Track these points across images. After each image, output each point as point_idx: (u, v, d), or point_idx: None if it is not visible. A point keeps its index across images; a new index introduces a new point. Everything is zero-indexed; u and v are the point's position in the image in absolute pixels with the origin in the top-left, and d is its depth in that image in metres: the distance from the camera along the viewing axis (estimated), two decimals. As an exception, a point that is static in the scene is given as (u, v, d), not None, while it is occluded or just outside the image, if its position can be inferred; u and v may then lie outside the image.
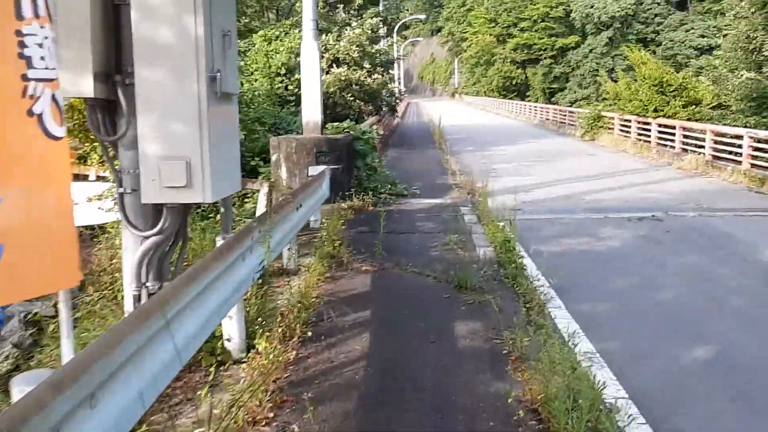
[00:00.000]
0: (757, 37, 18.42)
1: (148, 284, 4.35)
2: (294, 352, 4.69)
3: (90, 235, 7.27)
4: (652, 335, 5.61)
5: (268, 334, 4.67)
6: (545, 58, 74.61)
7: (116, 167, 4.35)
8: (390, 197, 11.39)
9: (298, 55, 20.28)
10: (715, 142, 16.56)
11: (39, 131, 2.99)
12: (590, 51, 70.29)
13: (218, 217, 9.75)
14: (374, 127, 13.71)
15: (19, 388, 2.36)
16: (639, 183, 14.55)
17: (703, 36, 61.69)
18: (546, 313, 5.79)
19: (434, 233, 8.94)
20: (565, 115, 32.55)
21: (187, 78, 4.15)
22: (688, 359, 5.10)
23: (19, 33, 2.86)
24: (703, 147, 17.04)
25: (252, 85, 19.26)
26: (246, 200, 9.47)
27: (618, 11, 66.66)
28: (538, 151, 21.88)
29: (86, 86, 3.98)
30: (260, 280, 6.00)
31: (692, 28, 64.21)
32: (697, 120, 19.54)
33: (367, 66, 19.79)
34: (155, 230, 4.35)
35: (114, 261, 5.71)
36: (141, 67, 4.03)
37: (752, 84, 16.99)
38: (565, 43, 73.06)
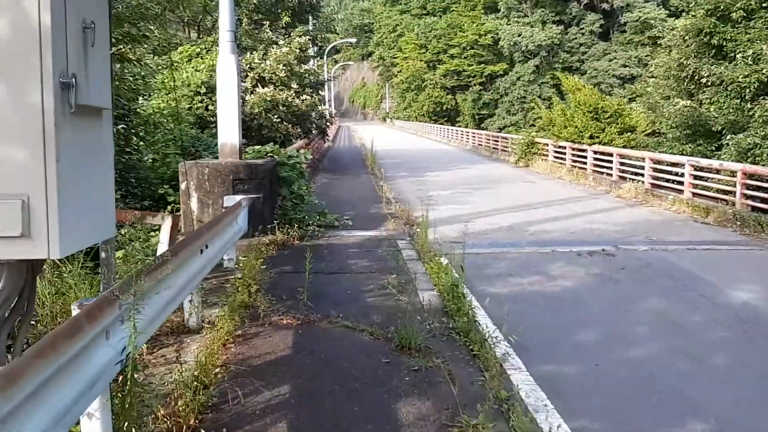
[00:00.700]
0: (689, 64, 18.39)
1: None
2: (179, 462, 3.39)
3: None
4: (634, 409, 4.60)
5: (142, 437, 3.36)
6: (474, 84, 75.66)
7: None
8: (319, 229, 10.17)
9: (220, 73, 19.00)
10: (655, 170, 16.24)
11: None
12: (518, 78, 71.77)
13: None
14: (302, 151, 12.51)
15: None
16: (581, 212, 13.91)
17: (625, 66, 64.15)
18: (507, 378, 4.72)
19: (369, 273, 7.78)
20: (498, 141, 32.31)
21: (26, 84, 2.90)
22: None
23: None
24: (641, 175, 16.71)
25: (170, 104, 17.78)
26: (154, 234, 8.06)
27: (544, 40, 68.58)
28: (474, 178, 21.19)
29: None
30: (145, 347, 4.67)
31: (615, 58, 66.71)
32: (632, 147, 19.34)
33: (295, 86, 18.64)
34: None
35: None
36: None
37: (687, 111, 16.83)
38: (494, 70, 74.41)
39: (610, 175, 18.56)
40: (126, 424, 3.31)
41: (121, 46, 8.54)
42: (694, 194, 14.22)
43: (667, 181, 15.68)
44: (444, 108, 79.60)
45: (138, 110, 10.49)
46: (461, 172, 23.44)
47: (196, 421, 3.79)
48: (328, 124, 22.26)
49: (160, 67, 20.73)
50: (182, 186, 8.69)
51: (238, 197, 8.22)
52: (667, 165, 16.03)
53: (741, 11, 16.50)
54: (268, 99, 17.70)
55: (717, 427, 4.32)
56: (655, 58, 22.37)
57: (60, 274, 5.47)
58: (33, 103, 2.92)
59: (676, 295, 7.56)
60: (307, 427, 3.88)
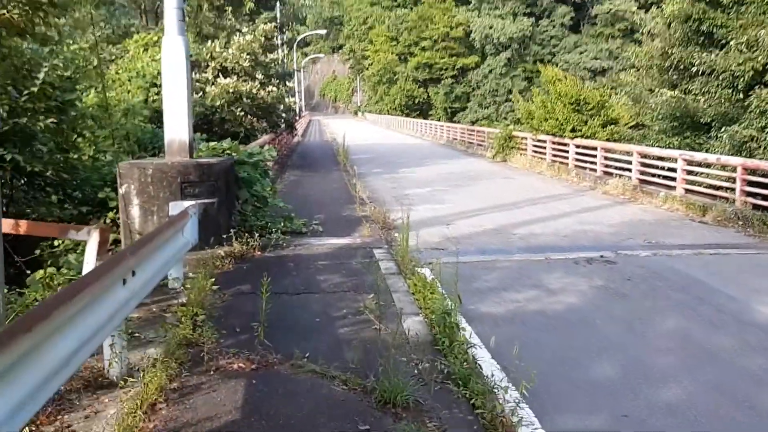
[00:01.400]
0: (675, 53, 17.53)
1: None
2: None
3: None
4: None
5: None
6: (446, 77, 74.76)
7: None
8: (284, 237, 8.95)
9: (179, 62, 17.60)
10: (643, 165, 15.35)
11: None
12: (490, 71, 71.09)
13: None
14: (266, 147, 11.27)
15: None
16: (569, 212, 12.93)
17: (596, 58, 63.89)
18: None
19: (342, 293, 6.61)
20: (473, 135, 31.33)
21: None
22: None
23: None
24: (628, 170, 15.82)
25: (125, 96, 16.37)
26: (73, 251, 6.79)
27: (516, 33, 68.04)
28: (451, 174, 20.13)
29: None
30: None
31: (586, 51, 66.48)
32: (616, 140, 18.47)
33: (260, 77, 17.33)
34: None
35: None
36: None
37: (675, 103, 15.97)
38: (466, 63, 73.72)
39: (594, 170, 17.66)
40: None
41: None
42: (687, 191, 13.35)
43: (657, 176, 14.80)
44: (416, 101, 78.62)
45: (76, 103, 9.17)
46: (437, 168, 22.38)
47: None
48: (296, 117, 20.96)
49: (114, 57, 19.27)
50: (121, 190, 7.40)
51: (187, 203, 6.98)
52: (655, 159, 15.17)
53: (732, -4, 15.69)
54: (231, 90, 16.38)
55: None
56: (632, 49, 21.48)
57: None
58: None
59: (693, 311, 6.57)
60: None
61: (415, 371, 4.53)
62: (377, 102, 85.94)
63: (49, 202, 8.91)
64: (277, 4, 21.98)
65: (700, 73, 15.98)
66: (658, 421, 4.26)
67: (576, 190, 16.35)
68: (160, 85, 16.66)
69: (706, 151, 15.07)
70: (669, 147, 16.04)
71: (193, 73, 17.06)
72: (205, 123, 16.86)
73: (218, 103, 16.42)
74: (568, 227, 11.17)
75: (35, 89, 7.79)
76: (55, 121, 8.29)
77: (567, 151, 19.51)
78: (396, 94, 79.47)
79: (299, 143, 35.05)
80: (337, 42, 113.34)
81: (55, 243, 7.61)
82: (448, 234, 10.65)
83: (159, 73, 16.58)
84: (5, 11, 6.84)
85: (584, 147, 18.57)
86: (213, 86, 16.23)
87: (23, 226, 6.00)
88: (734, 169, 12.01)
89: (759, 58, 13.85)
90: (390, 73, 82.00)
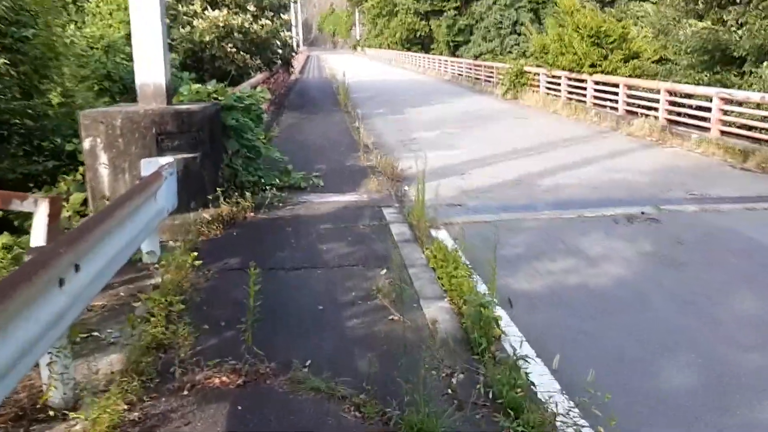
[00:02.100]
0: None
1: None
2: None
3: None
4: None
5: None
6: (449, 9, 71.71)
7: None
8: (281, 194, 7.83)
9: (163, -7, 16.02)
10: (671, 104, 14.07)
11: None
12: (494, 2, 67.95)
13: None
14: (260, 88, 10.00)
15: None
16: (594, 157, 11.75)
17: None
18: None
19: (349, 268, 5.56)
20: (480, 70, 29.70)
21: None
22: None
23: None
24: (654, 109, 14.53)
25: (107, 32, 14.94)
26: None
27: (522, -39, 64.73)
28: (460, 114, 18.81)
29: None
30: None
31: (595, -19, 63.35)
32: (638, 76, 17.06)
33: (252, 9, 15.81)
34: None
35: None
36: None
37: (707, 35, 14.52)
38: (469, -6, 70.65)
39: (616, 109, 16.35)
40: None
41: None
42: (723, 132, 12.13)
43: (687, 116, 13.54)
44: (417, 35, 75.62)
45: (31, 38, 7.86)
46: (444, 107, 21.00)
47: None
48: (293, 54, 19.47)
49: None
50: (85, 145, 6.24)
51: (164, 159, 5.85)
52: (685, 97, 13.88)
53: None
54: (221, 24, 14.91)
55: None
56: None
57: None
58: None
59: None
60: None
61: (449, 389, 3.51)
62: (377, 36, 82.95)
63: (13, 154, 7.79)
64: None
65: (736, 1, 14.47)
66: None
67: (597, 132, 15.09)
68: (143, 19, 15.28)
69: (739, 87, 13.77)
70: (699, 83, 14.71)
71: (180, 4, 15.55)
72: (194, 61, 15.48)
73: (207, 39, 14.99)
74: (597, 176, 10.03)
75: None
76: (7, 62, 7.05)
77: (585, 89, 18.12)
78: (396, 28, 76.49)
79: (297, 81, 33.43)
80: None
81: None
82: (463, 186, 9.54)
83: (141, 6, 15.14)
84: None
85: (604, 84, 17.18)
86: (201, 20, 14.76)
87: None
88: (782, 110, 10.77)
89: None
90: (390, 5, 78.77)
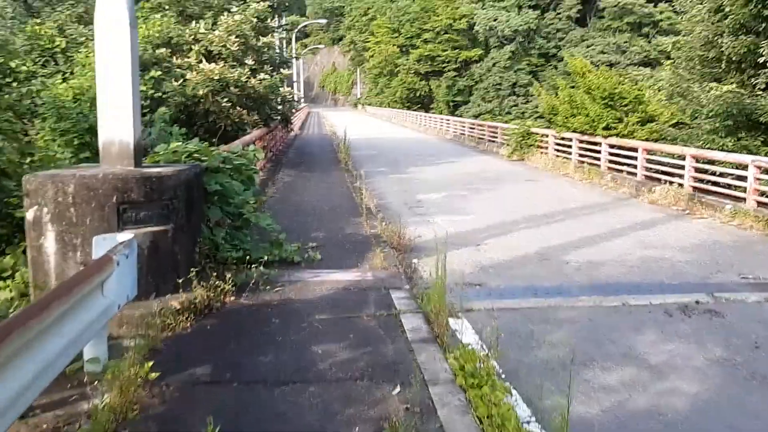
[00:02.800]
0: (723, 42, 15.22)
1: None
2: None
3: None
4: None
5: None
6: (449, 70, 72.31)
7: None
8: (269, 271, 6.61)
9: (156, 46, 15.22)
10: (697, 170, 13.06)
11: None
12: (494, 64, 68.63)
13: None
14: (253, 146, 8.91)
15: None
16: (621, 228, 10.62)
17: (603, 52, 61.44)
18: None
19: (350, 383, 4.29)
20: (484, 130, 28.97)
21: None
22: None
23: None
24: (678, 176, 13.51)
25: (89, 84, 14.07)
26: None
27: (521, 25, 65.76)
28: (466, 175, 17.81)
29: None
30: None
31: (593, 45, 64.24)
32: (656, 140, 16.14)
33: (251, 62, 14.96)
34: None
35: None
36: None
37: (732, 98, 13.65)
38: (469, 56, 71.61)
39: (634, 174, 15.34)
40: None
41: None
42: (760, 203, 11.06)
43: (716, 184, 12.52)
44: (417, 94, 76.30)
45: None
46: (449, 167, 20.04)
47: None
48: (293, 110, 18.60)
49: (85, 38, 16.89)
50: (29, 215, 5.06)
51: (123, 236, 4.67)
52: (711, 163, 12.92)
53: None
54: (216, 78, 14.01)
55: None
56: (668, 40, 19.16)
57: None
58: None
59: None
60: None
61: None
62: (378, 94, 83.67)
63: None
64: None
65: (764, 63, 13.68)
66: None
67: (616, 198, 14.02)
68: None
69: (766, 155, 12.84)
70: (722, 149, 13.77)
71: (174, 57, 14.70)
72: (186, 116, 14.52)
73: (201, 93, 14.06)
74: (630, 252, 8.85)
75: None
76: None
77: (598, 151, 17.20)
78: (397, 87, 77.33)
79: (297, 137, 32.70)
80: (337, 33, 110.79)
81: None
82: (481, 260, 8.35)
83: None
84: None
85: (620, 147, 16.25)
86: (194, 72, 13.86)
87: None
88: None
89: None
90: (391, 65, 79.84)
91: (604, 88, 16.72)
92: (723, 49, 15.25)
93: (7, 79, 10.59)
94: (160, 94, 14.13)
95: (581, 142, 18.20)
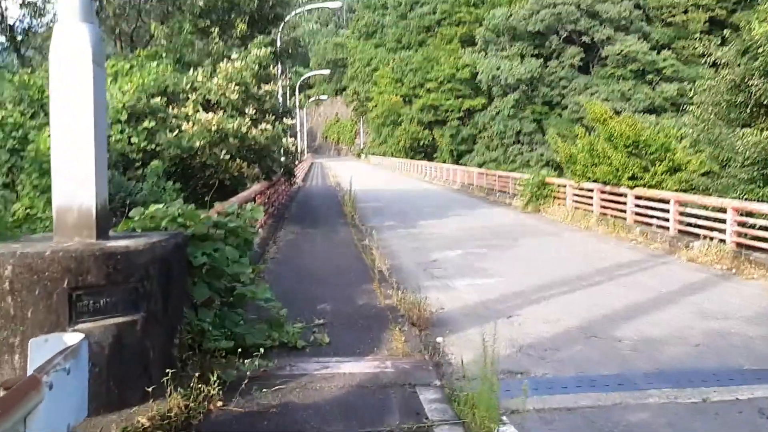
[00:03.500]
0: (755, 85, 14.26)
1: None
2: None
3: None
4: None
5: None
6: (452, 119, 72.13)
7: None
8: (266, 362, 5.37)
9: (151, 95, 14.31)
10: (740, 224, 11.89)
11: None
12: (497, 113, 68.38)
13: None
14: (250, 205, 7.76)
15: None
16: (668, 293, 9.38)
17: (607, 99, 61.04)
18: None
19: None
20: (494, 180, 27.97)
21: None
22: None
23: None
24: (718, 231, 12.33)
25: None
26: None
27: (524, 74, 65.81)
28: (481, 229, 16.66)
29: None
30: None
31: (597, 92, 64.08)
32: (685, 191, 15.01)
33: (251, 112, 14.00)
34: None
35: None
36: None
37: (771, 146, 12.60)
38: (472, 105, 71.60)
39: (665, 228, 14.17)
40: None
41: None
42: (820, 263, 9.85)
43: (763, 240, 11.33)
44: (421, 143, 75.99)
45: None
46: (461, 220, 18.90)
47: None
48: (296, 162, 17.60)
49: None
50: (-48, 306, 3.90)
51: (71, 337, 3.49)
52: (744, 215, 11.81)
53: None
54: (214, 128, 13.02)
55: None
56: (698, 83, 18.23)
57: None
58: None
59: None
60: None
61: None
62: (381, 144, 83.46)
63: None
64: (279, 30, 18.65)
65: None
66: None
67: (650, 255, 12.79)
68: (126, 122, 13.43)
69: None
70: (762, 200, 12.64)
71: (171, 107, 13.75)
72: (181, 169, 13.49)
73: (198, 144, 13.05)
74: (690, 325, 7.60)
75: None
76: None
77: (624, 203, 16.07)
78: (400, 136, 77.16)
79: (300, 189, 31.74)
80: (340, 84, 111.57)
81: None
82: (517, 338, 7.10)
83: (123, 107, 13.34)
84: None
85: (648, 198, 15.12)
86: (190, 123, 12.88)
87: None
88: None
89: None
90: (394, 114, 79.92)
91: (628, 135, 15.70)
92: (753, 92, 14.34)
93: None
94: (153, 146, 13.15)
95: (603, 192, 17.09)
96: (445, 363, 6.11)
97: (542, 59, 67.54)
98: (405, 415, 4.57)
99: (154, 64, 15.20)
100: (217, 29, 15.29)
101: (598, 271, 11.01)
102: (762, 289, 9.68)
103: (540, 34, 68.06)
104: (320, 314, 7.21)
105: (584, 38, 65.69)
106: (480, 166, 60.16)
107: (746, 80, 14.86)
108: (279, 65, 18.68)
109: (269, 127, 14.23)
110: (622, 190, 15.99)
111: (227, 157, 13.37)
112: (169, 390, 4.26)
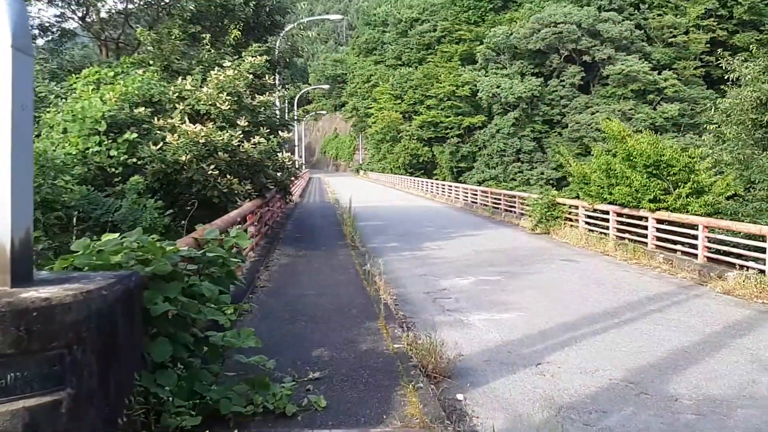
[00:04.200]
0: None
1: None
2: None
3: None
4: None
5: None
6: (452, 136, 71.30)
7: None
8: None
9: (135, 105, 13.18)
10: (782, 254, 10.75)
11: None
12: (497, 131, 67.60)
13: None
14: (235, 230, 6.55)
15: None
16: (713, 333, 8.19)
17: (608, 119, 60.13)
18: None
19: None
20: (499, 199, 26.83)
21: None
22: None
23: None
24: (757, 260, 11.17)
25: (62, 148, 12.02)
26: None
27: (524, 92, 65.19)
28: (490, 252, 15.47)
29: None
30: None
31: (597, 111, 63.35)
32: (709, 215, 13.86)
33: (244, 124, 12.85)
34: None
35: None
36: None
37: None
38: (472, 122, 70.91)
39: (693, 255, 13.01)
40: None
41: None
42: None
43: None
44: (420, 160, 75.11)
45: None
46: (468, 242, 17.72)
47: None
48: (292, 178, 16.42)
49: (55, 95, 14.91)
50: None
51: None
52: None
53: None
54: (201, 141, 11.86)
55: None
56: (718, 102, 17.22)
57: None
58: None
59: None
60: None
61: None
62: (380, 160, 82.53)
63: None
64: (277, 39, 17.50)
65: None
66: None
67: (680, 286, 11.60)
68: (105, 133, 12.26)
69: None
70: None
71: (156, 118, 12.60)
72: (165, 185, 12.32)
73: (184, 158, 11.88)
74: (753, 378, 6.40)
75: None
76: None
77: (644, 227, 14.93)
78: (400, 153, 76.31)
79: (297, 206, 30.55)
80: (339, 100, 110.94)
81: None
82: (552, 394, 5.88)
83: (103, 116, 12.19)
84: None
85: (671, 223, 13.99)
86: (174, 135, 11.72)
87: None
88: None
89: None
90: (394, 131, 79.14)
91: (648, 155, 14.57)
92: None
93: None
94: (135, 159, 11.98)
95: (620, 215, 15.96)
96: (471, 434, 4.90)
97: (542, 78, 66.96)
98: None
99: (140, 71, 14.08)
100: (209, 36, 14.16)
101: (627, 306, 9.81)
102: (821, 330, 8.49)
103: (541, 53, 67.58)
104: (316, 364, 5.99)
105: (585, 57, 65.16)
106: (480, 183, 59.18)
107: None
108: (276, 76, 17.56)
109: (263, 140, 13.06)
110: (642, 213, 14.86)
111: (216, 172, 12.19)
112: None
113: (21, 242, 3.30)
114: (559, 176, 58.28)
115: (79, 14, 15.31)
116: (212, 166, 12.08)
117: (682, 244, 13.51)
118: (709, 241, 12.71)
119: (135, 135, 12.05)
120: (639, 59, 63.40)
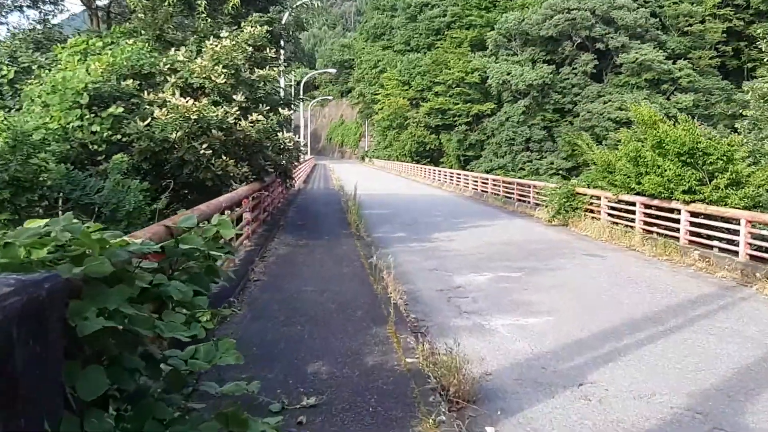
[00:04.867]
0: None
1: None
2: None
3: None
4: None
5: None
6: (460, 124, 69.90)
7: None
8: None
9: (123, 77, 12.00)
10: None
11: None
12: (507, 119, 66.14)
13: None
14: (217, 218, 5.46)
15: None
16: (778, 347, 7.03)
17: (621, 108, 58.66)
18: None
19: None
20: (512, 188, 25.61)
21: None
22: None
23: None
24: (812, 260, 9.97)
25: (40, 120, 10.85)
26: None
27: (535, 80, 63.66)
28: (508, 245, 14.30)
29: None
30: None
31: (610, 101, 61.84)
32: (747, 208, 12.61)
33: (241, 99, 11.67)
34: None
35: None
36: None
37: None
38: (481, 110, 69.44)
39: (733, 252, 11.81)
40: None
41: None
42: None
43: None
44: (427, 148, 73.85)
45: None
46: (481, 233, 16.54)
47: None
48: (294, 162, 15.23)
49: (39, 65, 13.76)
50: None
51: None
52: None
53: None
54: (192, 117, 10.69)
55: None
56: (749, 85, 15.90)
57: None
58: None
59: None
60: None
61: None
62: (386, 147, 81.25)
63: None
64: (286, 12, 16.22)
65: None
66: None
67: (722, 287, 10.41)
68: (87, 106, 11.11)
69: None
70: None
71: (146, 92, 11.45)
72: (154, 165, 11.19)
73: (174, 136, 10.72)
74: None
75: None
76: None
77: (675, 220, 13.71)
78: (406, 140, 75.01)
79: (300, 191, 29.42)
80: (346, 86, 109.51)
81: None
82: (602, 428, 4.74)
83: (86, 88, 11.03)
84: None
85: (708, 216, 12.78)
86: (163, 109, 10.56)
87: None
88: None
89: None
90: (401, 118, 77.83)
91: (683, 142, 13.32)
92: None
93: None
94: (120, 136, 10.84)
95: (649, 207, 14.73)
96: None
97: (554, 65, 65.39)
98: None
99: (130, 41, 12.91)
100: (204, 3, 12.95)
101: (669, 310, 8.64)
102: None
103: (553, 40, 65.97)
104: (312, 384, 4.86)
105: (598, 45, 63.56)
106: (488, 172, 57.80)
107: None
108: (280, 51, 16.34)
109: (262, 118, 11.89)
110: (675, 205, 13.63)
111: (209, 152, 11.04)
112: None
113: None
114: (569, 166, 56.93)
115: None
116: (205, 146, 10.93)
117: (720, 239, 12.30)
118: (752, 237, 11.49)
119: (121, 109, 10.90)
120: (653, 48, 61.74)
